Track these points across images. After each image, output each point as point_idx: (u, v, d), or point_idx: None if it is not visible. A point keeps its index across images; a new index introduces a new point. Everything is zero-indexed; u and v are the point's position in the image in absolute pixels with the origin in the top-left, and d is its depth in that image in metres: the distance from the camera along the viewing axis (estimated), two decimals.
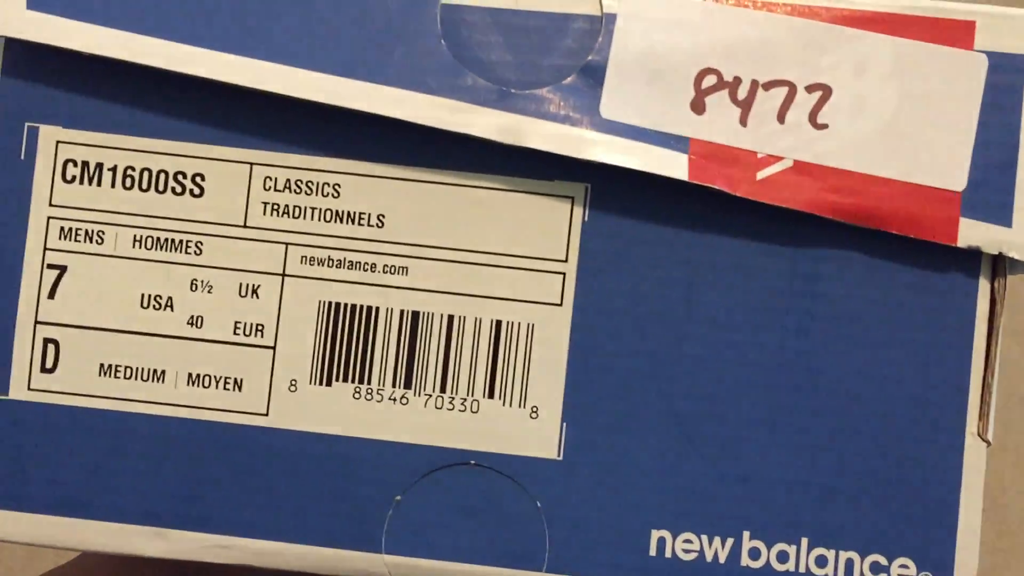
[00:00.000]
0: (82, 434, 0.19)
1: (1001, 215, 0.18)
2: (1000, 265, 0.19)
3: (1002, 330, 0.19)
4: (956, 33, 0.18)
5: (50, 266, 0.19)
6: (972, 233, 0.18)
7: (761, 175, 0.18)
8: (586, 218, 0.19)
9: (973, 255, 0.19)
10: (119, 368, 0.19)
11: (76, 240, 0.19)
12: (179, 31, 0.18)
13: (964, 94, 0.18)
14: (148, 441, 0.19)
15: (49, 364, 0.19)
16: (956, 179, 0.18)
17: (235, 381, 0.19)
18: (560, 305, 0.19)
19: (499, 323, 0.19)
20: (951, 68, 0.18)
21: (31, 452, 0.19)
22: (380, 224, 0.19)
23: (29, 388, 0.19)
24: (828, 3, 0.18)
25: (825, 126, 0.18)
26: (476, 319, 0.19)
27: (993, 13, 0.18)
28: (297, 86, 0.18)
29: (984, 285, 0.19)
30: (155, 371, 0.19)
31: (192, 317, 0.19)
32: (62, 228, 0.19)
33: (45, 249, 0.19)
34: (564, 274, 0.19)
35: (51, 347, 0.19)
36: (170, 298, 0.19)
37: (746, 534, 0.19)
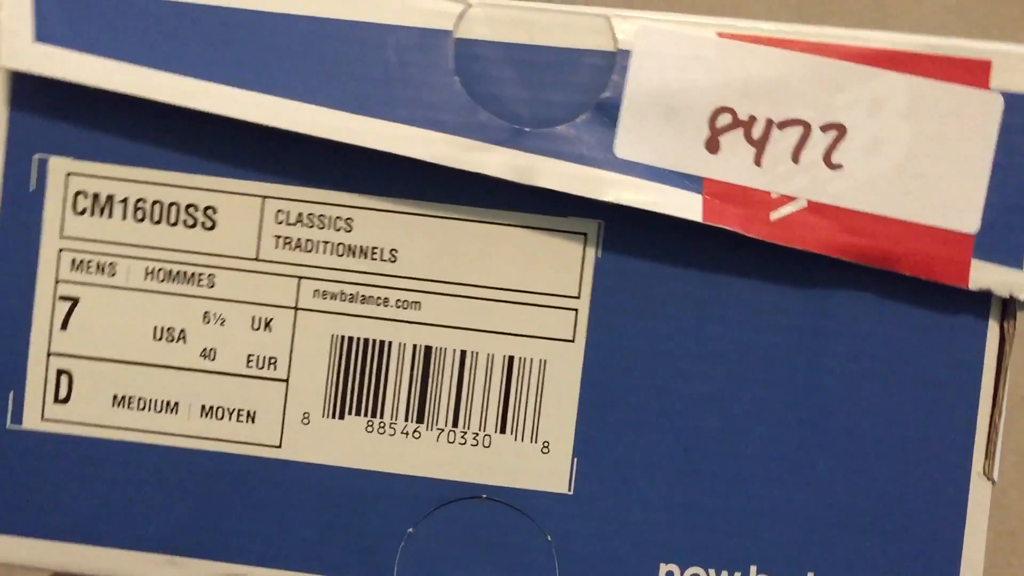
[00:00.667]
0: (96, 464, 0.19)
1: (1013, 257, 0.18)
2: (1010, 307, 0.19)
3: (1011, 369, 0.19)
4: (972, 72, 0.18)
5: (62, 298, 0.19)
6: (983, 275, 0.18)
7: (775, 215, 0.18)
8: (599, 255, 0.19)
9: (984, 296, 0.19)
10: (132, 400, 0.19)
11: (88, 272, 0.19)
12: (189, 64, 0.18)
13: (979, 134, 0.18)
14: (162, 472, 0.19)
15: (63, 395, 0.19)
16: (969, 221, 0.18)
17: (248, 413, 0.19)
18: (572, 341, 0.19)
19: (511, 359, 0.19)
20: (966, 108, 0.18)
21: (46, 481, 0.19)
22: (393, 259, 0.19)
23: (43, 419, 0.19)
24: (843, 40, 0.18)
25: (840, 166, 0.18)
26: (488, 355, 0.19)
27: (1009, 52, 0.18)
28: (308, 123, 0.18)
29: (994, 326, 0.19)
30: (168, 403, 0.19)
31: (205, 349, 0.19)
32: (74, 260, 0.19)
33: (57, 281, 0.19)
34: (577, 310, 0.19)
35: (64, 378, 0.19)
36: (183, 330, 0.19)
37: (753, 568, 0.19)
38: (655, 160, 0.18)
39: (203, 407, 0.19)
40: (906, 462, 0.19)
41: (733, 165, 0.18)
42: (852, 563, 0.19)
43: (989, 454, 0.19)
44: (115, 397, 0.19)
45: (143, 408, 0.19)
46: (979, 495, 0.19)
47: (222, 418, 0.19)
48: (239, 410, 0.19)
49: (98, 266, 0.19)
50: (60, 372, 0.19)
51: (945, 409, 0.19)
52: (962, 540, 0.19)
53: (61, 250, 0.19)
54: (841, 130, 0.18)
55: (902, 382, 0.19)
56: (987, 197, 0.18)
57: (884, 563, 0.19)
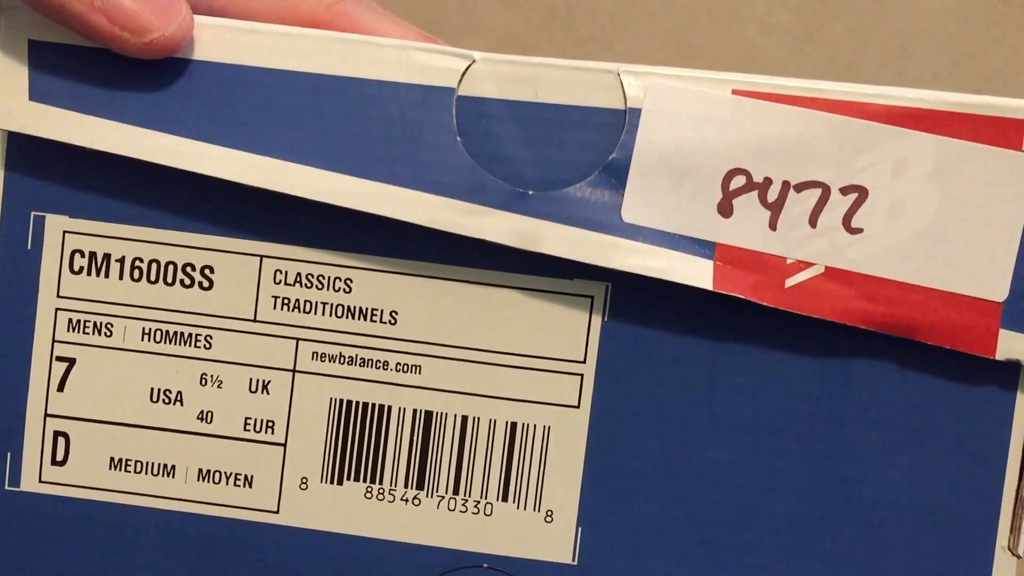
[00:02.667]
0: (93, 526, 0.19)
1: None
2: None
3: None
4: (1004, 132, 0.17)
5: (59, 358, 0.19)
6: (1012, 345, 0.17)
7: (790, 282, 0.18)
8: (606, 318, 0.18)
9: (1012, 367, 0.18)
10: (129, 462, 0.19)
11: (84, 332, 0.19)
12: (184, 124, 0.18)
13: (1010, 198, 0.17)
14: (158, 535, 0.19)
15: (60, 457, 0.19)
16: (997, 289, 0.17)
17: (245, 477, 0.19)
18: (578, 407, 0.18)
19: (514, 425, 0.18)
20: (997, 170, 0.17)
21: (44, 543, 0.19)
22: (393, 321, 0.18)
23: (40, 480, 0.19)
24: (866, 98, 0.17)
25: (860, 230, 0.17)
26: (491, 420, 0.18)
27: None
28: (303, 186, 0.18)
29: (1021, 397, 0.18)
30: (165, 466, 0.19)
31: (202, 412, 0.19)
32: (70, 320, 0.19)
33: (54, 341, 0.19)
34: (582, 375, 0.18)
35: (61, 440, 0.19)
36: (180, 392, 0.19)
37: None
38: (664, 224, 0.17)
39: (200, 470, 0.19)
40: (928, 536, 0.18)
41: (746, 229, 0.18)
42: None
43: (1014, 528, 0.18)
44: (112, 459, 0.19)
45: (140, 471, 0.19)
46: (1003, 570, 0.18)
47: (219, 482, 0.19)
48: (236, 474, 0.19)
49: (95, 326, 0.19)
50: (57, 434, 0.19)
51: (969, 482, 0.18)
52: None
53: (58, 310, 0.19)
54: (863, 192, 0.17)
55: (924, 454, 0.18)
56: (1016, 264, 0.17)
57: None
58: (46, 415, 0.19)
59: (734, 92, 0.17)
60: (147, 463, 0.19)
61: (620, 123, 0.17)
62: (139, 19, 0.16)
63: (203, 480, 0.19)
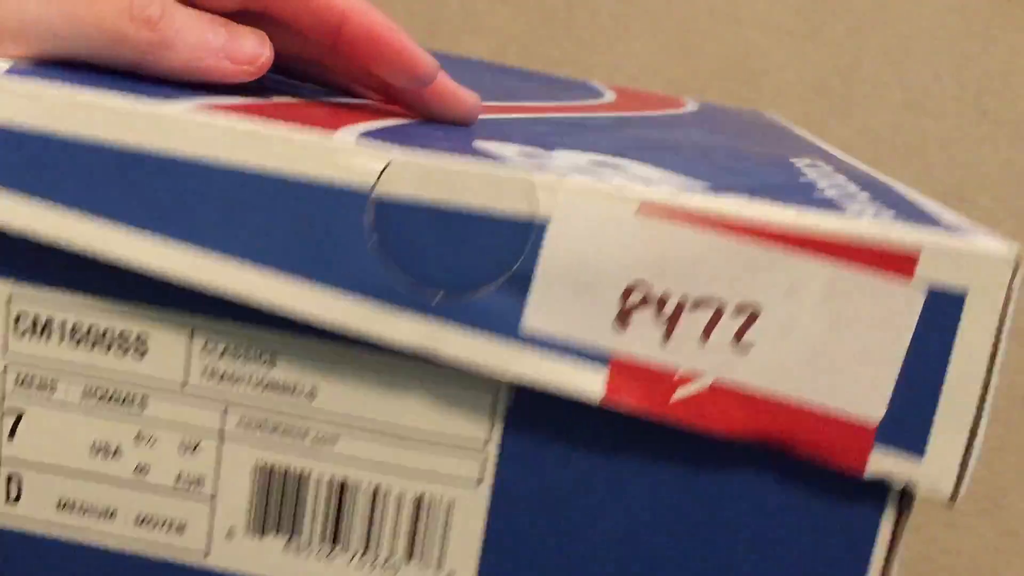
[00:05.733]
0: (45, 560, 0.21)
1: (915, 447, 0.18)
2: (906, 497, 0.19)
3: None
4: (897, 263, 0.18)
5: (8, 410, 0.20)
6: (882, 464, 0.18)
7: (677, 396, 0.19)
8: (511, 399, 0.19)
9: (879, 484, 0.19)
10: (76, 504, 0.21)
11: (31, 388, 0.20)
12: (111, 209, 0.19)
13: (896, 327, 0.18)
14: (103, 572, 0.21)
15: (14, 495, 0.21)
16: (874, 409, 0.18)
17: (178, 526, 0.20)
18: (481, 482, 0.20)
19: (422, 495, 0.20)
20: (885, 300, 0.18)
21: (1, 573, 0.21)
22: (313, 394, 0.20)
23: None
24: (765, 223, 0.18)
25: (750, 347, 0.18)
26: (400, 490, 0.20)
27: (937, 246, 0.18)
28: (217, 279, 0.19)
29: (889, 514, 0.19)
30: (107, 510, 0.20)
31: (139, 465, 0.20)
32: (18, 375, 0.20)
33: (3, 395, 0.20)
34: (486, 453, 0.20)
35: (14, 482, 0.21)
36: (118, 446, 0.20)
37: None
38: (563, 333, 0.18)
39: (137, 516, 0.20)
40: None
41: (641, 342, 0.18)
42: None
43: None
44: (60, 501, 0.21)
45: (85, 513, 0.21)
46: None
47: (155, 527, 0.20)
48: (170, 521, 0.20)
49: (40, 383, 0.20)
50: (10, 476, 0.21)
51: None
52: None
53: (6, 366, 0.20)
54: (755, 311, 0.18)
55: (792, 566, 0.19)
56: (897, 386, 0.18)
57: None
58: (0, 460, 0.21)
59: (640, 210, 0.18)
60: (91, 507, 0.21)
61: (529, 232, 0.18)
62: (253, 52, 0.21)
63: (140, 525, 0.20)
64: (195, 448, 0.20)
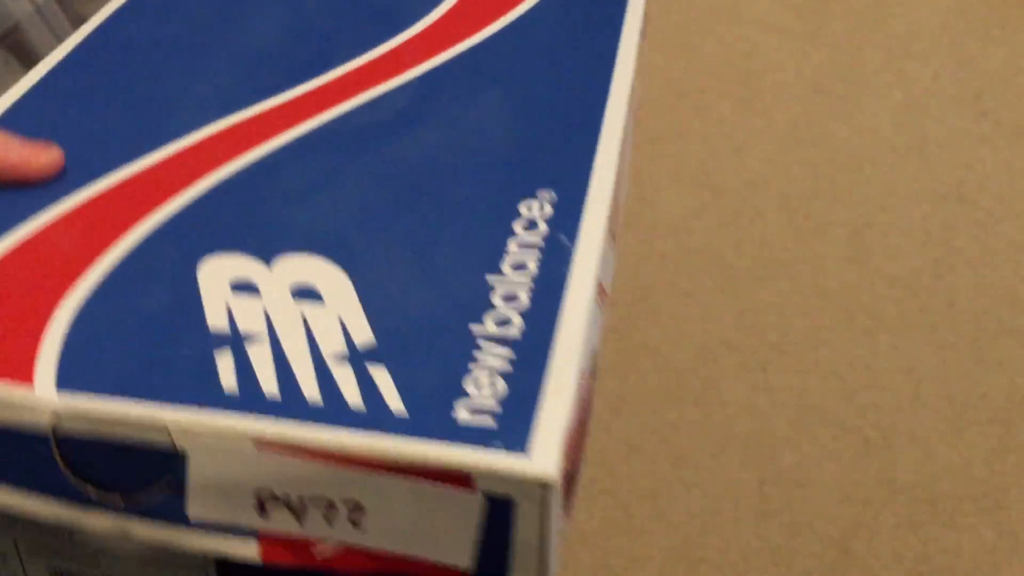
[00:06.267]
0: None
1: None
2: None
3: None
4: (458, 479, 0.22)
5: None
6: None
7: (320, 554, 0.24)
8: (216, 571, 0.25)
9: None
10: None
11: None
12: None
13: (466, 523, 0.23)
14: None
15: None
16: (461, 559, 0.23)
17: None
18: None
19: None
20: (454, 503, 0.23)
21: None
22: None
23: None
24: (359, 452, 0.23)
25: (363, 524, 0.23)
26: None
27: (485, 466, 0.22)
28: None
29: None
30: None
31: None
32: None
33: None
34: None
35: None
36: None
37: None
38: (220, 517, 0.24)
39: None
40: None
41: (281, 524, 0.24)
42: None
43: None
44: None
45: None
46: None
47: None
48: None
49: None
50: None
51: None
52: None
53: None
54: (359, 505, 0.23)
55: None
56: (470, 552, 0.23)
57: None
58: None
59: (257, 446, 0.23)
60: None
61: (175, 456, 0.24)
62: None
63: None
64: None
